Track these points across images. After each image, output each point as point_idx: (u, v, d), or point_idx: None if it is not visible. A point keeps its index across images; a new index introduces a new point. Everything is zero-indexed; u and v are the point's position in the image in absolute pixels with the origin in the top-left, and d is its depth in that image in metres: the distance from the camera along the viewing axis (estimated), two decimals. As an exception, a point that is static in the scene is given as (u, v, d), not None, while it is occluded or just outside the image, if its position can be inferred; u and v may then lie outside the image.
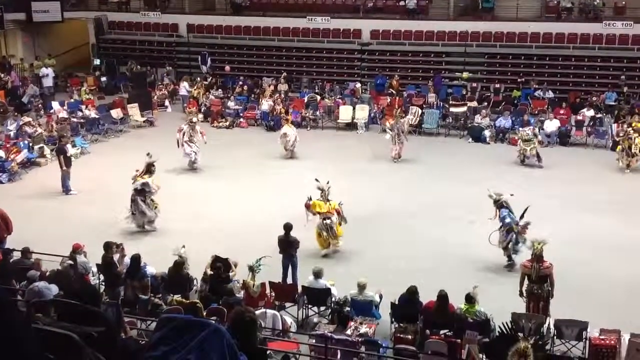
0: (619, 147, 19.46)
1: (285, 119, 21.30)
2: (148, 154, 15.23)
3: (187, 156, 19.25)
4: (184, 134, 19.13)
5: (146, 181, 14.77)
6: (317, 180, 14.22)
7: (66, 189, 17.64)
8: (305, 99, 25.51)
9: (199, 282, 11.44)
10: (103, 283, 11.72)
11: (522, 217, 12.88)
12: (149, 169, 14.99)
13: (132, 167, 16.11)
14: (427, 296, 10.53)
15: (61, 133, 19.81)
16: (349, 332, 9.89)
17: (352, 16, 29.81)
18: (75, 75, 30.84)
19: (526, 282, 10.89)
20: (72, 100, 25.34)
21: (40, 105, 25.00)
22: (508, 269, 13.05)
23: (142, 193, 14.80)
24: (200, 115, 24.42)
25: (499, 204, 13.26)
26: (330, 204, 13.82)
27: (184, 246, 11.67)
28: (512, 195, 13.56)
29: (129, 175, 14.78)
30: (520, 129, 20.72)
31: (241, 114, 25.19)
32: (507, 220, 12.94)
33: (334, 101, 25.28)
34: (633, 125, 19.89)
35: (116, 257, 11.57)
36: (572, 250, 13.59)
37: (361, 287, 10.83)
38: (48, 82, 28.36)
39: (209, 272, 11.32)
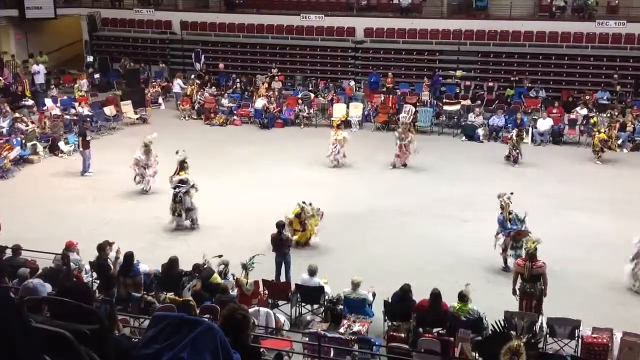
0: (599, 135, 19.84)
1: (337, 124, 20.13)
2: (177, 152, 15.26)
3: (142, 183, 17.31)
4: (139, 165, 17.10)
5: (182, 177, 14.87)
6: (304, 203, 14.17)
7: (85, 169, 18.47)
8: (299, 97, 25.53)
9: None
10: (96, 281, 11.69)
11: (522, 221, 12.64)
12: (182, 166, 15.12)
13: (125, 165, 16.01)
14: (420, 294, 10.55)
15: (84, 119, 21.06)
16: (342, 330, 9.91)
17: (345, 14, 29.79)
18: (68, 72, 30.74)
19: (519, 280, 10.92)
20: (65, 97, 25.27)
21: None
22: (504, 270, 12.99)
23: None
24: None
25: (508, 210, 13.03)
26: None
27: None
28: (512, 193, 13.38)
29: (121, 172, 14.69)
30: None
31: (235, 112, 25.19)
32: (507, 225, 12.79)
33: (327, 99, 25.28)
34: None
35: (112, 254, 11.49)
36: (565, 249, 13.63)
37: (355, 285, 10.83)
38: (40, 79, 28.25)
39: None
